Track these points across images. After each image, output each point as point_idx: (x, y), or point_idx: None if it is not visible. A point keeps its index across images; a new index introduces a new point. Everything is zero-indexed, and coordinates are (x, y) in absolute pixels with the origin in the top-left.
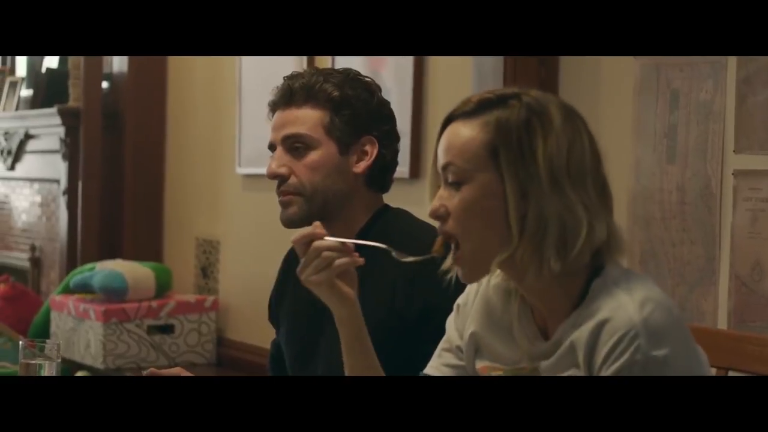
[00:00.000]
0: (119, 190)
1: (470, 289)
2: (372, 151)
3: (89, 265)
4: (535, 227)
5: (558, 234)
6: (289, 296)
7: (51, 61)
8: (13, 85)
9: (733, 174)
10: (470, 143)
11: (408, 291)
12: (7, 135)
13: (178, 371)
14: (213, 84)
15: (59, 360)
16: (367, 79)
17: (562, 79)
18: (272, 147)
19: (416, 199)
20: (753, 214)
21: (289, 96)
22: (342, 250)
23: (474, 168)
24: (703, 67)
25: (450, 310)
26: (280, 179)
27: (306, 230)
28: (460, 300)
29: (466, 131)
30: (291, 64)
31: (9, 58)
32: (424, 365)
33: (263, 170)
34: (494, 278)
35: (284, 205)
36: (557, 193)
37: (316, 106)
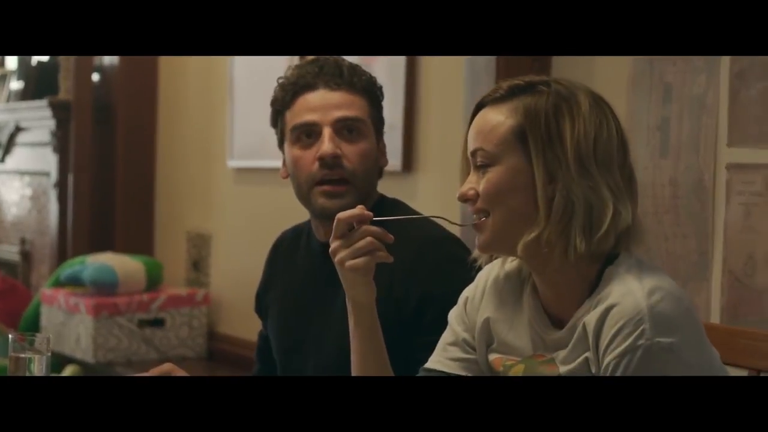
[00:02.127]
0: (110, 183)
1: (478, 281)
2: (385, 146)
3: (80, 259)
4: (562, 209)
5: (584, 216)
6: (278, 286)
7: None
8: (3, 78)
9: (726, 168)
10: (498, 127)
11: (407, 279)
12: None
13: (169, 368)
14: (205, 77)
15: (49, 354)
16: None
17: (554, 73)
18: (309, 128)
19: (409, 192)
20: (746, 208)
21: (339, 76)
22: (383, 239)
23: (502, 151)
24: (696, 61)
25: (448, 300)
26: (335, 162)
27: (354, 211)
28: (466, 293)
29: (494, 116)
30: (283, 58)
31: None
32: (423, 354)
33: (255, 163)
34: (507, 265)
35: (334, 194)
36: (584, 177)
37: (362, 94)
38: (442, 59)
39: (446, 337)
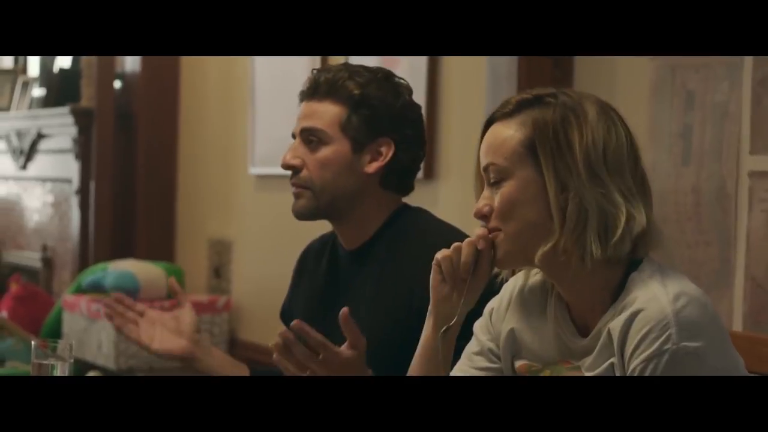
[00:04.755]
0: (132, 189)
1: (503, 293)
2: (387, 153)
3: (101, 265)
4: (576, 217)
5: (598, 222)
6: (303, 294)
7: (63, 61)
8: (26, 85)
9: (748, 175)
10: (508, 142)
11: (426, 289)
12: (19, 134)
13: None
14: (226, 84)
15: (72, 360)
16: (399, 80)
17: (576, 80)
18: (294, 137)
19: (431, 199)
20: None
21: (314, 88)
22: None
23: (513, 165)
24: (718, 68)
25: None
26: (294, 170)
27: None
28: (491, 304)
29: (504, 131)
30: (304, 64)
31: (21, 57)
32: None
33: (276, 170)
34: (531, 278)
35: (295, 196)
36: (595, 184)
37: (336, 102)
38: (464, 66)
39: (471, 347)
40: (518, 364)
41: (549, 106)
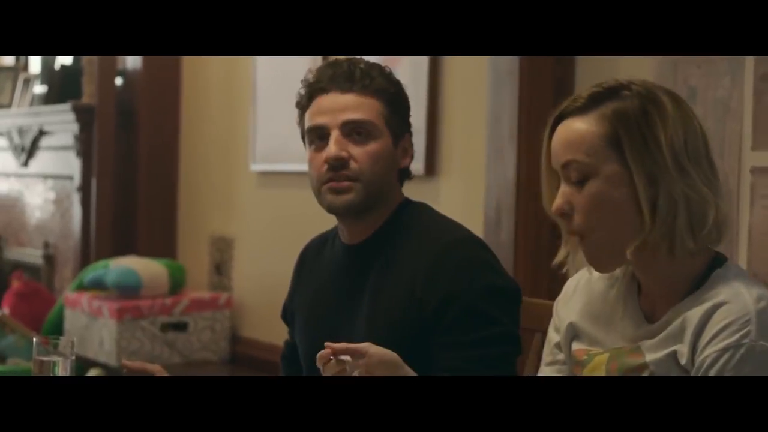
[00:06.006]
0: (133, 186)
1: (567, 286)
2: (411, 148)
3: (103, 262)
4: (666, 210)
5: (687, 214)
6: (304, 291)
7: (65, 58)
8: (27, 82)
9: (750, 171)
10: (590, 137)
11: (429, 280)
12: (20, 131)
13: (155, 369)
14: (227, 80)
15: (73, 357)
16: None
17: (578, 77)
18: (321, 130)
19: (432, 196)
20: None
21: (350, 80)
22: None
23: (597, 161)
24: (720, 64)
25: (469, 301)
26: (340, 164)
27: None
28: (558, 298)
29: (582, 126)
30: (306, 61)
31: None
32: (442, 354)
33: (277, 167)
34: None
35: (340, 191)
36: (682, 176)
37: (375, 96)
38: (465, 62)
39: (546, 344)
40: (575, 347)
41: (626, 99)
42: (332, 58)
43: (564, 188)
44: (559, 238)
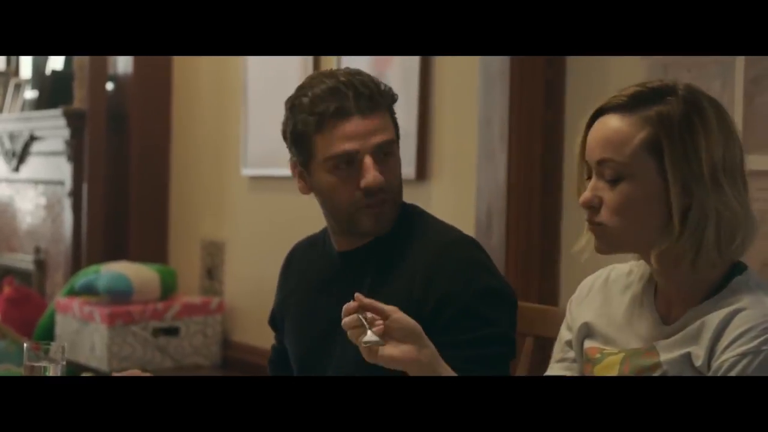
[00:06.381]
0: (124, 191)
1: (583, 285)
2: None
3: (94, 267)
4: (697, 222)
5: (716, 229)
6: (293, 296)
7: (56, 63)
8: (18, 87)
9: None
10: (630, 139)
11: (426, 281)
12: (11, 137)
13: (133, 374)
14: (218, 85)
15: (64, 362)
16: None
17: (569, 79)
18: (350, 156)
19: (423, 199)
20: (761, 215)
21: (370, 100)
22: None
23: (634, 164)
24: (711, 67)
25: (466, 301)
26: (380, 190)
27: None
28: (572, 297)
29: (623, 126)
30: (297, 65)
31: (14, 59)
32: (440, 355)
33: (268, 171)
34: (614, 272)
35: (380, 215)
36: (717, 191)
37: (386, 111)
38: (456, 66)
39: (557, 343)
40: (588, 345)
41: (670, 104)
42: (323, 69)
43: (596, 183)
44: (550, 241)
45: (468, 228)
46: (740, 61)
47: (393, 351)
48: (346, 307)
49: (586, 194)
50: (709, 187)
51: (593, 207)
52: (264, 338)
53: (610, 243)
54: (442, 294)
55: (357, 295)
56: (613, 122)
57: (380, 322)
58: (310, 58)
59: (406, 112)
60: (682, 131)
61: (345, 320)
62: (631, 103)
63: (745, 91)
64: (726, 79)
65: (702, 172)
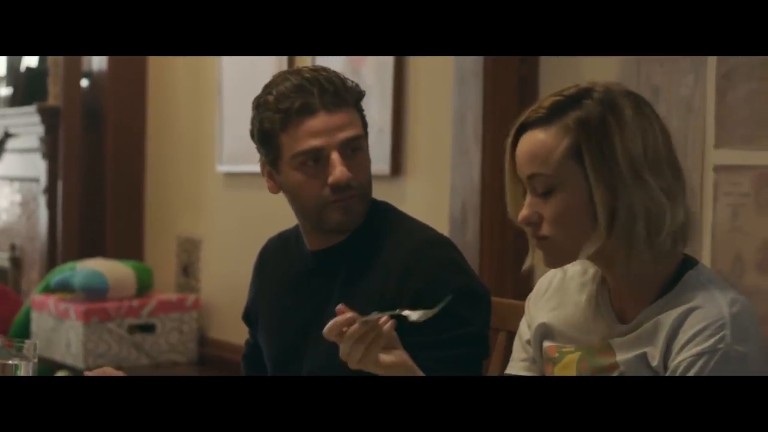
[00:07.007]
0: (100, 188)
1: (540, 284)
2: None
3: (70, 265)
4: (624, 221)
5: (645, 225)
6: (266, 293)
7: (30, 60)
8: None
9: (713, 169)
10: (553, 150)
11: (400, 280)
12: None
13: (105, 372)
14: (194, 82)
15: (35, 360)
16: None
17: (542, 77)
18: (317, 153)
19: (397, 196)
20: (733, 209)
21: (335, 95)
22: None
23: (562, 174)
24: (683, 62)
25: (439, 301)
26: (347, 186)
27: (339, 320)
28: (530, 295)
29: (546, 139)
30: (272, 64)
31: None
32: (412, 355)
33: (244, 168)
34: (571, 268)
35: (348, 209)
36: (641, 186)
37: (353, 107)
38: (430, 62)
39: (516, 339)
40: (547, 344)
41: (587, 108)
42: (292, 67)
43: (531, 198)
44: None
45: (442, 224)
46: (712, 56)
47: (387, 358)
48: (338, 320)
49: (524, 211)
50: (631, 183)
51: (534, 223)
52: (240, 335)
53: (557, 255)
54: (415, 294)
55: (340, 307)
56: (536, 136)
57: (385, 319)
58: (284, 58)
59: (380, 109)
60: (598, 133)
61: (351, 330)
62: (550, 114)
63: (718, 86)
64: (698, 74)
65: (621, 170)
